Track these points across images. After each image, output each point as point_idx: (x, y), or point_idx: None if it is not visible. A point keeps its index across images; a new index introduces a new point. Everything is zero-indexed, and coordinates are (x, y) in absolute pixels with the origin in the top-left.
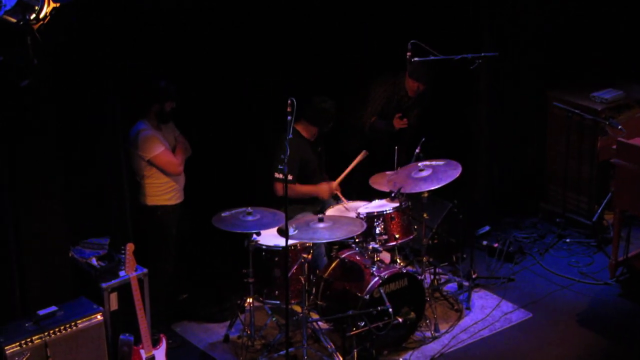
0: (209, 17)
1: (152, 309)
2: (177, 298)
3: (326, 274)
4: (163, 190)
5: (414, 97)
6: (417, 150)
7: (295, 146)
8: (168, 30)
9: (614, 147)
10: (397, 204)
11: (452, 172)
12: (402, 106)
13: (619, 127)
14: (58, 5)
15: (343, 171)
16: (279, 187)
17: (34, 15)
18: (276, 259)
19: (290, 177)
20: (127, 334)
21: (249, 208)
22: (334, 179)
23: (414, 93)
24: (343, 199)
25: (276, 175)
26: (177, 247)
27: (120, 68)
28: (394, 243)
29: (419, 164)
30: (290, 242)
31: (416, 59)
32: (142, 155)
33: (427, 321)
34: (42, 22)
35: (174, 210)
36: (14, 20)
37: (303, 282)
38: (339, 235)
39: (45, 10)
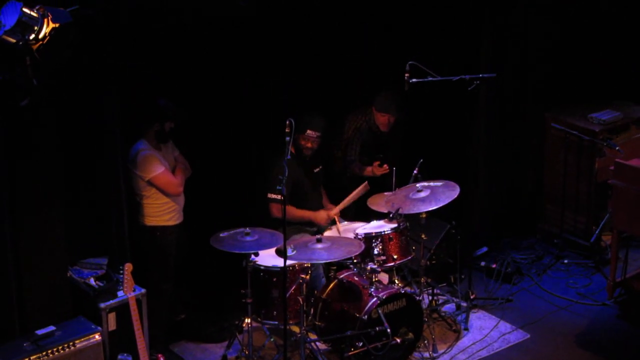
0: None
1: (152, 330)
2: (175, 318)
3: (324, 295)
4: (163, 211)
5: (388, 130)
6: (415, 171)
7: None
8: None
9: (612, 168)
10: (395, 225)
11: (450, 192)
12: (379, 141)
13: (617, 148)
14: (57, 25)
15: (343, 199)
16: (274, 209)
17: (33, 36)
18: (274, 279)
19: (280, 198)
20: (125, 354)
21: (247, 228)
22: (333, 202)
23: (387, 127)
24: (339, 224)
25: (269, 195)
26: (176, 268)
27: (121, 86)
28: (392, 264)
29: (417, 185)
30: (288, 262)
31: (414, 80)
32: (141, 175)
33: (426, 342)
34: (41, 42)
35: (173, 230)
36: (13, 40)
37: (301, 302)
38: (337, 255)
39: (45, 30)
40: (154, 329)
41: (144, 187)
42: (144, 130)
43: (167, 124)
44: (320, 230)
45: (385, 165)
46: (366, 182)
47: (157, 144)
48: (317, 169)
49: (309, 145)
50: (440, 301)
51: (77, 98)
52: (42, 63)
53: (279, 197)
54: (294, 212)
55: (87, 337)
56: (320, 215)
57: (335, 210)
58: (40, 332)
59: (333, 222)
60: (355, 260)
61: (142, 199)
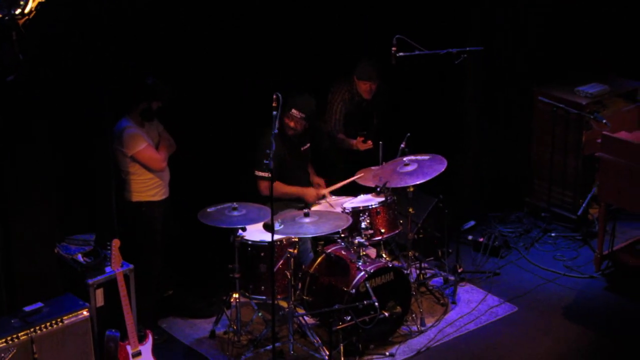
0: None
1: (142, 304)
2: (163, 294)
3: (312, 269)
4: (147, 186)
5: (370, 98)
6: (402, 145)
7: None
8: (156, 24)
9: (599, 140)
10: (382, 199)
11: (437, 166)
12: (363, 110)
13: (604, 121)
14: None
15: (331, 176)
16: (262, 186)
17: (19, 10)
18: (262, 254)
19: (268, 175)
20: (113, 330)
21: (235, 203)
22: (322, 178)
23: (369, 94)
24: (329, 197)
25: (257, 172)
26: (164, 243)
27: (110, 64)
28: (379, 237)
29: (404, 159)
30: (276, 237)
31: (401, 53)
32: (125, 151)
33: (413, 315)
34: (27, 17)
35: (159, 205)
36: None
37: (289, 277)
38: (324, 229)
39: (31, 5)
40: (142, 304)
41: (129, 163)
42: (131, 108)
43: (154, 103)
44: (308, 205)
45: (369, 142)
46: (362, 173)
47: (141, 121)
48: (305, 147)
49: (292, 124)
50: (428, 275)
51: (65, 75)
52: (28, 38)
53: (266, 174)
54: (282, 188)
55: (75, 314)
56: (310, 192)
57: (325, 190)
58: (28, 308)
59: (322, 198)
60: (342, 235)
61: (128, 175)
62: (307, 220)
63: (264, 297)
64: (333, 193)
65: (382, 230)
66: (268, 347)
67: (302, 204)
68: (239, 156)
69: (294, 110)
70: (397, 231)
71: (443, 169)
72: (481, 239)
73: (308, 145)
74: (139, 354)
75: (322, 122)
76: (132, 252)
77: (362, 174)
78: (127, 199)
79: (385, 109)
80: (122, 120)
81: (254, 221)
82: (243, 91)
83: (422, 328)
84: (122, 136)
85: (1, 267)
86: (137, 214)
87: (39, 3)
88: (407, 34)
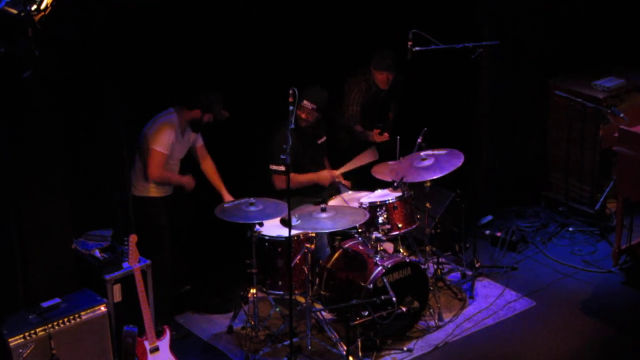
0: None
1: (155, 301)
2: (180, 290)
3: (329, 264)
4: (149, 182)
5: (387, 88)
6: (419, 140)
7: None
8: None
9: (616, 135)
10: (399, 194)
11: (454, 161)
12: (380, 101)
13: (621, 115)
14: None
15: (347, 163)
16: (277, 180)
17: (35, 6)
18: (279, 249)
19: (283, 168)
20: (131, 326)
21: (252, 199)
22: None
23: (386, 84)
24: (344, 182)
25: (271, 167)
26: (178, 239)
27: (124, 58)
28: (397, 232)
29: (421, 154)
30: (293, 232)
31: (417, 48)
32: (148, 138)
33: (431, 310)
34: (43, 12)
35: (161, 201)
36: (15, 11)
37: (306, 272)
38: (341, 225)
39: (47, 1)
40: (156, 299)
41: (145, 150)
42: (184, 104)
43: (207, 115)
44: (324, 200)
45: (385, 134)
46: (374, 148)
47: (183, 126)
48: (321, 140)
49: (303, 116)
50: (446, 270)
51: (80, 70)
52: (44, 34)
53: (281, 167)
54: (297, 178)
55: (92, 309)
56: (324, 175)
57: (339, 171)
58: (45, 304)
59: (337, 192)
60: (359, 230)
61: (141, 162)
62: (324, 215)
63: (281, 292)
64: (347, 178)
65: (400, 225)
66: (286, 343)
67: (319, 199)
68: (256, 151)
69: (305, 102)
70: (414, 226)
71: (460, 164)
72: (498, 234)
73: (324, 138)
74: (156, 349)
75: (338, 114)
76: (141, 249)
77: (372, 155)
78: (132, 194)
79: (402, 100)
80: (169, 110)
81: (271, 216)
82: (258, 86)
83: (440, 323)
84: (157, 121)
85: (18, 263)
86: (139, 208)
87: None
88: (422, 27)
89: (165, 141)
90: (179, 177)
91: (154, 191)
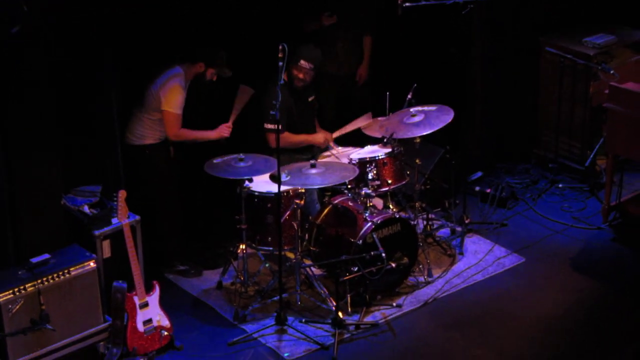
0: None
1: (167, 248)
2: (175, 269)
3: (319, 220)
4: (155, 130)
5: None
6: (408, 96)
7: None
8: None
9: (607, 91)
10: (389, 150)
11: (444, 117)
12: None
13: (611, 71)
14: None
15: (343, 127)
16: (271, 138)
17: None
18: (269, 205)
19: (279, 127)
20: (120, 281)
21: (241, 154)
22: (327, 129)
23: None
24: (335, 147)
25: (266, 126)
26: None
27: (117, 17)
28: (386, 188)
29: (411, 110)
30: (282, 188)
31: (407, 4)
32: (161, 99)
33: (420, 266)
34: None
35: (161, 146)
36: None
37: (296, 228)
38: (331, 180)
39: None
40: (169, 247)
41: (155, 109)
42: (188, 59)
43: (209, 71)
44: (314, 156)
45: None
46: (370, 113)
47: (187, 83)
48: (311, 98)
49: (301, 76)
50: (435, 226)
51: (69, 27)
52: None
53: (275, 126)
54: (291, 138)
55: (81, 265)
56: (318, 137)
57: (334, 134)
58: (35, 260)
59: (327, 149)
60: (349, 186)
61: (144, 115)
62: (313, 171)
63: (270, 248)
64: (338, 139)
65: (389, 181)
66: (275, 298)
67: (308, 156)
68: (245, 106)
69: (302, 62)
70: (404, 182)
71: (450, 120)
72: (488, 190)
73: (314, 97)
74: (146, 305)
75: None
76: (145, 200)
77: (368, 119)
78: (130, 143)
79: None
80: (175, 67)
81: (260, 172)
82: (258, 45)
83: (429, 279)
84: (168, 83)
85: (8, 219)
86: (142, 158)
87: None
88: None
89: (179, 102)
90: (201, 133)
91: (157, 137)
